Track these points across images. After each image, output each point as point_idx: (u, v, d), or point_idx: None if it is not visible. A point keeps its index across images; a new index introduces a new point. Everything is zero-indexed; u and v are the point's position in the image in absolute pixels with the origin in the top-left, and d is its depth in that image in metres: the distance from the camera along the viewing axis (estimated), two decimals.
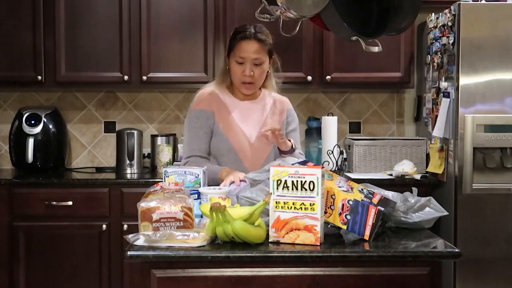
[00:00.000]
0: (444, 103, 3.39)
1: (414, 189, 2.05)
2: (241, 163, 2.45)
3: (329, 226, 1.83)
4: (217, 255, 1.66)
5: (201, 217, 1.90)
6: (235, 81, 2.54)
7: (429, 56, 3.65)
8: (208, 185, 2.14)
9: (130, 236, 1.72)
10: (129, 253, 1.66)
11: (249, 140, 2.52)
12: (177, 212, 1.75)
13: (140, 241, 1.70)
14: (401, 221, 1.96)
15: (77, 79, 3.72)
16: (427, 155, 3.72)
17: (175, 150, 3.86)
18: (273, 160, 2.51)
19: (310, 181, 1.71)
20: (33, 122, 3.73)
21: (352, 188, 1.84)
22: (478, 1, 3.38)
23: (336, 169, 3.65)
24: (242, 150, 2.49)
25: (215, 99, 2.55)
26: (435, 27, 3.53)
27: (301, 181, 1.72)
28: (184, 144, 2.59)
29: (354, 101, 4.13)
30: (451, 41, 3.32)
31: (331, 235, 1.81)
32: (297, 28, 2.28)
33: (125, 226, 3.42)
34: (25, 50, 3.66)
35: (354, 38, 2.18)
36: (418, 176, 3.52)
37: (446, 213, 2.01)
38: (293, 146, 2.52)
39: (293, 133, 2.66)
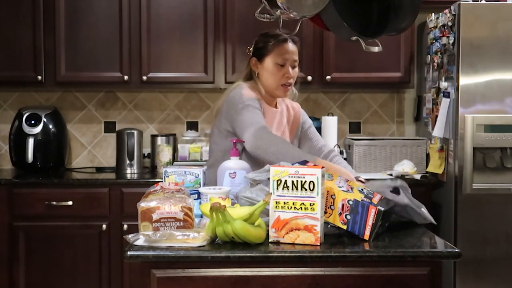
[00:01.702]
0: (444, 103, 3.39)
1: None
2: (256, 160, 2.43)
3: (329, 226, 1.83)
4: (217, 255, 1.66)
5: (201, 217, 1.90)
6: (272, 84, 2.49)
7: (429, 56, 3.65)
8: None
9: (130, 236, 1.72)
10: (129, 253, 1.66)
11: None
12: (177, 212, 1.75)
13: (140, 241, 1.70)
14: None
15: (77, 79, 3.72)
16: (427, 155, 3.72)
17: (175, 150, 3.86)
18: None
19: (310, 181, 1.71)
20: (33, 122, 3.73)
21: (352, 188, 1.84)
22: (478, 1, 3.38)
23: None
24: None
25: (259, 98, 2.49)
26: (435, 27, 3.53)
27: (301, 181, 1.72)
28: (244, 119, 2.32)
29: (354, 101, 4.13)
30: (451, 41, 3.33)
31: (331, 235, 1.81)
32: (297, 28, 2.28)
33: (125, 226, 3.42)
34: (25, 50, 3.67)
35: (354, 38, 2.18)
36: (418, 176, 3.53)
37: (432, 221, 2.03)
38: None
39: (311, 128, 2.68)
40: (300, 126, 2.67)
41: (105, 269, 3.45)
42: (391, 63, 3.75)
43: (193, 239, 1.70)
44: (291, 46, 2.49)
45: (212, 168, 2.36)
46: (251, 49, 2.57)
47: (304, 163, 1.93)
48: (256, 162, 2.27)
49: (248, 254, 1.66)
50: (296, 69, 2.53)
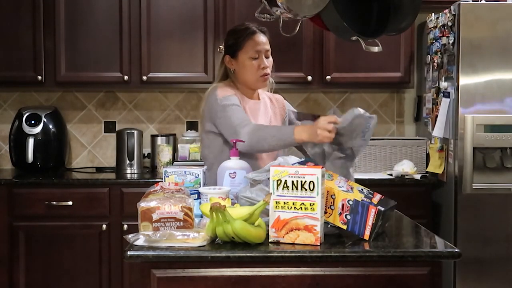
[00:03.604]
0: (444, 103, 3.39)
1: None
2: (256, 162, 2.44)
3: (329, 226, 1.83)
4: (217, 255, 1.66)
5: (201, 217, 1.90)
6: (251, 78, 2.52)
7: (429, 56, 3.65)
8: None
9: (130, 236, 1.72)
10: (129, 253, 1.66)
11: None
12: (177, 212, 1.75)
13: (140, 241, 1.70)
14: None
15: (77, 79, 3.72)
16: (427, 155, 3.72)
17: (175, 150, 3.86)
18: (282, 155, 2.51)
19: (310, 181, 1.71)
20: (33, 122, 3.73)
21: (352, 188, 1.84)
22: (478, 1, 3.38)
23: None
24: None
25: (236, 93, 2.52)
26: (435, 27, 3.53)
27: (301, 181, 1.72)
28: (228, 120, 2.37)
29: (354, 101, 4.13)
30: (451, 41, 3.33)
31: (331, 235, 1.82)
32: (297, 28, 2.28)
33: (125, 226, 3.42)
34: (25, 50, 3.67)
35: (354, 38, 2.18)
36: (418, 176, 3.53)
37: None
38: None
39: None
40: (287, 116, 2.68)
41: (105, 269, 3.45)
42: (391, 63, 3.75)
43: (193, 239, 1.70)
44: (261, 37, 2.52)
45: (209, 172, 2.36)
46: (222, 47, 2.62)
47: (304, 163, 1.92)
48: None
49: (248, 254, 1.66)
50: (270, 58, 2.55)
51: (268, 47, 2.53)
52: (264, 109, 2.60)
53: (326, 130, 2.06)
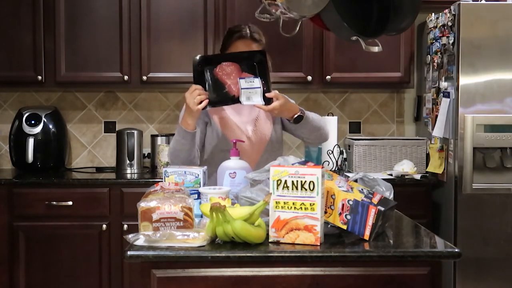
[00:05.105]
0: (444, 103, 3.39)
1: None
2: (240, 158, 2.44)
3: (329, 226, 1.83)
4: (217, 255, 1.66)
5: (201, 217, 1.90)
6: None
7: (429, 56, 3.65)
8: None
9: (130, 236, 1.72)
10: (129, 253, 1.66)
11: (246, 135, 2.53)
12: (177, 212, 1.75)
13: (140, 241, 1.70)
14: None
15: (77, 79, 3.72)
16: (427, 155, 3.72)
17: None
18: (270, 152, 2.51)
19: (310, 181, 1.71)
20: (33, 122, 3.73)
21: (352, 188, 1.84)
22: (478, 1, 3.38)
23: (336, 169, 3.65)
24: (240, 145, 2.48)
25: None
26: (435, 27, 3.53)
27: (301, 181, 1.72)
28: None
29: (354, 101, 4.13)
30: (451, 41, 3.33)
31: (331, 235, 1.81)
32: (297, 28, 2.28)
33: (125, 226, 3.43)
34: (25, 50, 3.67)
35: (354, 38, 2.18)
36: (418, 176, 3.53)
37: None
38: (302, 112, 2.43)
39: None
40: None
41: (105, 269, 3.45)
42: (391, 63, 3.75)
43: (193, 239, 1.70)
44: (247, 43, 2.50)
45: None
46: None
47: (304, 163, 1.92)
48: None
49: (248, 254, 1.66)
50: None
51: None
52: (250, 107, 2.55)
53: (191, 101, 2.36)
